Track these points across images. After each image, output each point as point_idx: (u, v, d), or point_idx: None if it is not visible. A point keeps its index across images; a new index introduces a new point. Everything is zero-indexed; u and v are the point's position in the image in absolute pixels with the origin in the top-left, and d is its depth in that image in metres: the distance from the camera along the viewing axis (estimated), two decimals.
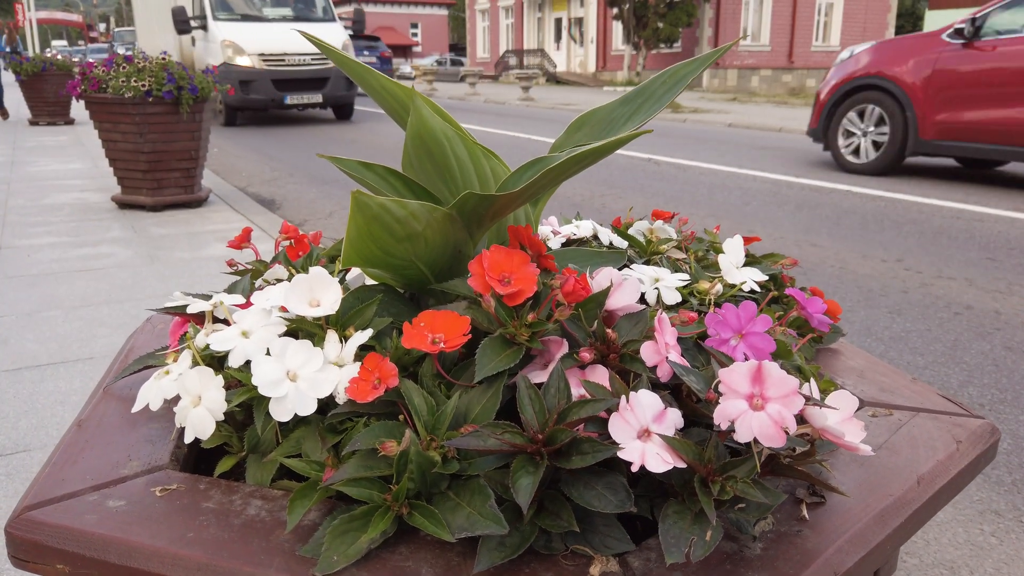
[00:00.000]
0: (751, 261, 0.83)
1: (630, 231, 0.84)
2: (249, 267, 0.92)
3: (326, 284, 0.60)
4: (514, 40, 32.56)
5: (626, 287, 0.60)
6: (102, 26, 78.89)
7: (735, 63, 23.48)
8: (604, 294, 0.59)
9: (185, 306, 0.69)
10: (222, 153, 8.46)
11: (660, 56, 24.49)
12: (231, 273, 0.92)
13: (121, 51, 18.60)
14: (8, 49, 8.09)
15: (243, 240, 0.94)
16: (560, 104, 16.46)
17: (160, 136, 4.71)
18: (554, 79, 27.67)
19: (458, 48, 46.53)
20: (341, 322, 0.60)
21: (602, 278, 0.62)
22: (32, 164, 6.81)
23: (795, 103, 16.95)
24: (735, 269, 0.77)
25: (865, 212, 5.20)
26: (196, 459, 0.63)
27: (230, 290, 0.79)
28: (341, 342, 0.58)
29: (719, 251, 0.92)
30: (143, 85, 4.50)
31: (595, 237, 0.91)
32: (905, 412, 0.69)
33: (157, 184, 4.86)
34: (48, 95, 10.02)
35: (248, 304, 0.69)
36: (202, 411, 0.55)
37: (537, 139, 9.85)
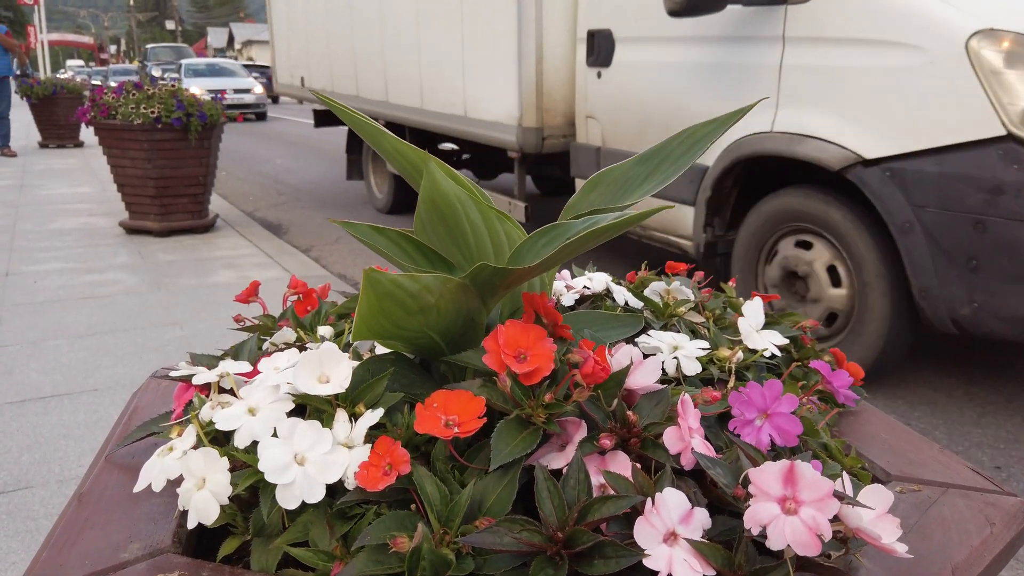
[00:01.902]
0: (770, 322, 0.81)
1: (646, 291, 0.82)
2: (256, 322, 0.90)
3: (336, 360, 0.58)
4: None
5: (647, 366, 0.58)
6: (112, 48, 79.81)
7: None
8: (624, 373, 0.57)
9: (191, 375, 0.67)
10: (230, 177, 8.50)
11: None
12: (238, 329, 0.90)
13: (157, 72, 16.82)
14: (18, 72, 8.20)
15: (250, 294, 0.93)
16: None
17: (168, 162, 4.73)
18: None
19: None
20: (351, 398, 0.58)
21: (621, 356, 0.60)
22: (41, 188, 6.84)
23: None
24: (755, 333, 0.74)
25: None
26: (199, 535, 0.61)
27: (236, 352, 0.77)
28: (351, 421, 0.56)
29: (736, 307, 0.90)
30: (152, 112, 4.53)
31: (608, 294, 0.89)
32: (934, 488, 0.66)
33: (165, 210, 4.87)
34: (58, 118, 10.09)
35: (255, 372, 0.67)
36: (206, 495, 0.53)
37: None
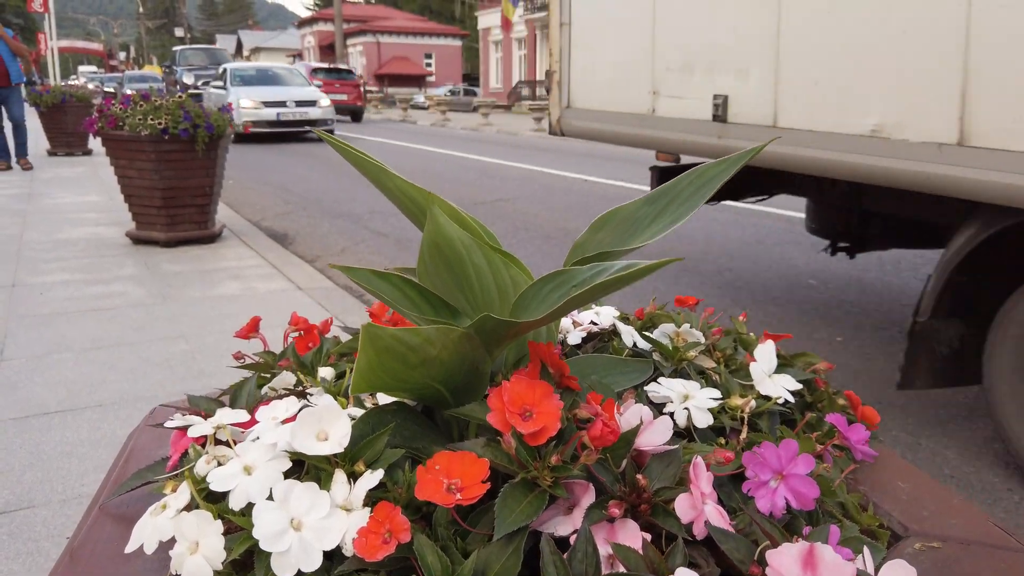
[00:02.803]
0: (783, 363, 0.79)
1: (656, 333, 0.80)
2: (256, 359, 0.88)
3: (335, 417, 0.56)
4: (527, 71, 32.84)
5: (657, 426, 0.56)
6: (122, 55, 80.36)
7: None
8: (633, 434, 0.55)
9: (187, 426, 0.65)
10: (237, 185, 8.52)
11: None
12: (238, 367, 0.88)
13: (189, 79, 15.11)
14: (25, 79, 8.25)
15: (251, 330, 0.91)
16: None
17: (175, 173, 4.74)
18: None
19: (471, 78, 47.00)
20: (350, 455, 0.56)
21: (631, 415, 0.58)
22: (49, 196, 6.87)
23: None
24: (767, 379, 0.72)
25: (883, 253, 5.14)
26: None
27: (235, 395, 0.75)
28: (350, 482, 0.54)
29: (746, 344, 0.88)
30: (160, 123, 4.54)
31: (615, 332, 0.87)
32: (956, 545, 0.64)
33: (171, 220, 4.87)
34: (67, 126, 10.14)
35: (253, 421, 0.66)
36: (199, 560, 0.52)
37: (550, 172, 9.86)
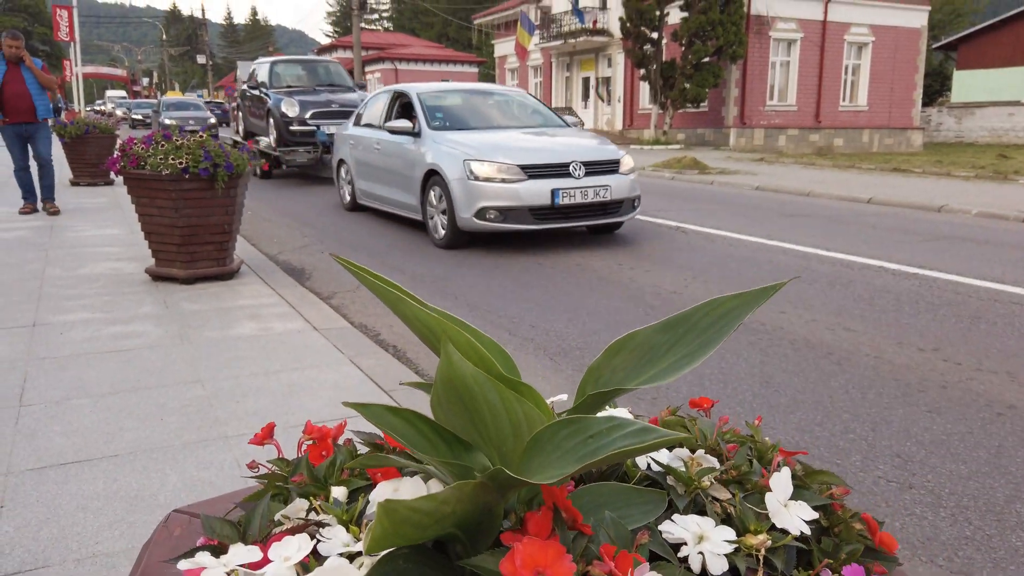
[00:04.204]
0: (799, 485, 0.78)
1: (668, 460, 0.79)
2: (271, 467, 0.89)
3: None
4: (542, 98, 33.11)
5: None
6: (145, 80, 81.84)
7: (762, 123, 23.59)
8: None
9: (201, 568, 0.65)
10: (255, 217, 8.61)
11: (687, 115, 24.71)
12: (251, 477, 0.89)
13: (290, 110, 11.89)
14: (53, 116, 8.17)
15: (264, 438, 0.92)
16: None
17: (195, 211, 4.80)
18: None
19: None
20: None
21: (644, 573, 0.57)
22: (71, 229, 6.97)
23: (822, 164, 16.90)
24: (783, 510, 0.72)
25: (899, 292, 5.10)
26: None
27: (247, 521, 0.76)
28: None
29: (761, 454, 0.87)
30: (180, 163, 4.60)
31: None
32: None
33: (190, 257, 4.93)
34: (90, 156, 10.32)
35: (264, 560, 0.66)
36: None
37: None
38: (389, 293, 0.73)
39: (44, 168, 7.84)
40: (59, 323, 4.02)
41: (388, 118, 7.99)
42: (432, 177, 6.81)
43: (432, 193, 6.83)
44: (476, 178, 6.27)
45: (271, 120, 11.78)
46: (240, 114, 14.34)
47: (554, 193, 6.24)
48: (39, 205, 8.05)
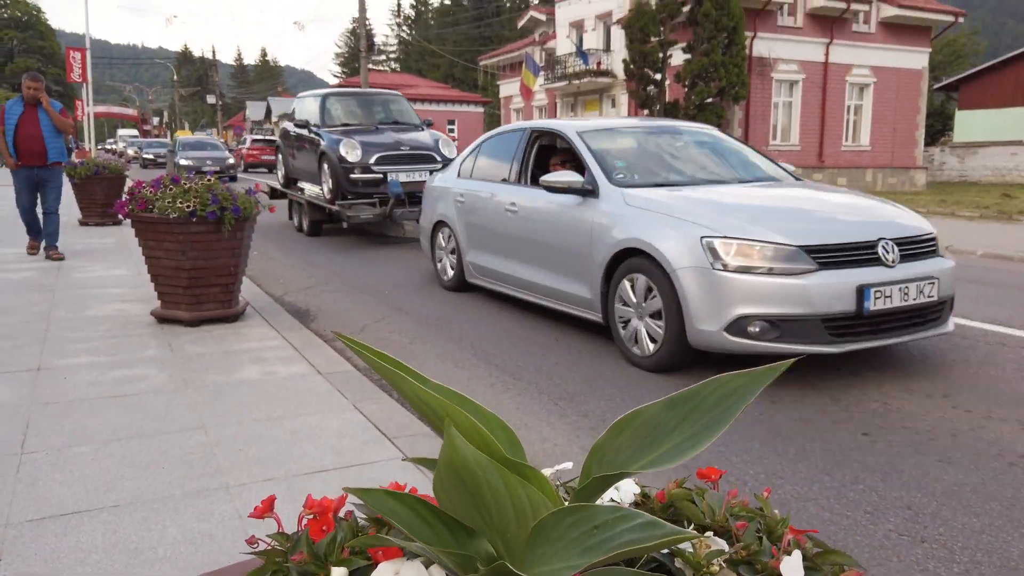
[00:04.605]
0: (810, 567, 0.76)
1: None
2: (271, 543, 0.87)
3: None
4: None
5: None
6: (155, 120, 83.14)
7: None
8: None
9: None
10: (261, 256, 8.65)
11: None
12: (251, 553, 0.87)
13: (353, 154, 9.03)
14: (66, 159, 8.11)
15: (265, 511, 0.90)
16: None
17: (201, 253, 4.82)
18: None
19: None
20: None
21: None
22: (78, 269, 7.01)
23: None
24: None
25: None
26: None
27: None
28: None
29: (771, 529, 0.86)
30: (188, 206, 4.64)
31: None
32: None
33: (196, 300, 4.94)
34: (99, 197, 10.43)
35: None
36: None
37: None
38: (390, 372, 0.72)
39: (49, 217, 7.65)
40: (63, 367, 4.01)
41: (525, 168, 5.75)
42: (627, 260, 4.46)
43: (628, 288, 4.45)
44: (726, 267, 3.93)
45: (325, 166, 9.59)
46: (280, 157, 12.21)
47: (863, 293, 3.85)
48: (42, 249, 7.80)
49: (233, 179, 23.77)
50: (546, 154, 6.05)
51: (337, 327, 5.48)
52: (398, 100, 11.45)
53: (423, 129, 10.64)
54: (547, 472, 0.95)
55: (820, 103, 24.81)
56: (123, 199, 4.88)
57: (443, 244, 6.82)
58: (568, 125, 5.55)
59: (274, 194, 12.41)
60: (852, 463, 3.07)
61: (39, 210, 7.67)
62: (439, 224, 6.84)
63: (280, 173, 12.20)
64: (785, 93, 24.69)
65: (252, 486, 2.65)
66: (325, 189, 9.74)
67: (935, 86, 32.33)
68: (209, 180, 4.90)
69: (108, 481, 2.68)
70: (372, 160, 9.28)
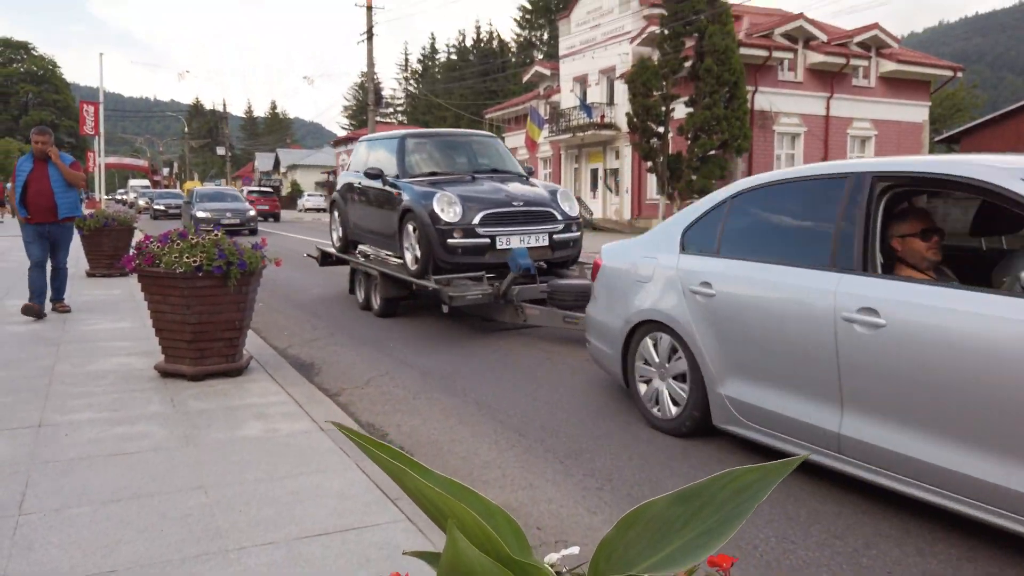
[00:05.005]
0: None
1: None
2: None
3: None
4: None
5: None
6: (165, 171, 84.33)
7: None
8: None
9: None
10: (266, 308, 8.66)
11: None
12: None
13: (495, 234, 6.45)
14: (79, 213, 7.94)
15: None
16: (594, 251, 16.75)
17: (206, 308, 4.83)
18: (591, 225, 28.37)
19: None
20: None
21: None
22: (84, 322, 7.01)
23: None
24: None
25: None
26: None
27: None
28: None
29: None
30: (194, 260, 4.67)
31: None
32: None
33: (200, 354, 4.92)
34: (107, 248, 10.50)
35: None
36: None
37: None
38: (392, 465, 0.71)
39: (57, 272, 7.45)
40: (65, 423, 3.98)
41: (870, 242, 3.29)
42: None
43: None
44: None
45: (409, 227, 7.39)
46: (336, 215, 9.78)
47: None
48: (48, 306, 7.39)
49: (253, 232, 22.78)
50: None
51: (341, 382, 5.45)
52: (494, 143, 9.05)
53: (528, 179, 8.35)
54: (553, 557, 0.92)
55: (822, 155, 25.09)
56: (131, 253, 4.92)
57: (655, 359, 4.28)
58: (992, 166, 2.98)
59: (325, 259, 10.32)
60: (864, 527, 3.00)
61: (48, 265, 7.31)
62: (646, 327, 4.34)
63: (335, 235, 9.84)
64: (787, 145, 25.00)
65: (252, 550, 2.60)
66: (408, 257, 7.47)
67: (936, 138, 32.71)
68: (216, 235, 4.93)
69: (106, 545, 2.63)
70: (476, 220, 6.98)
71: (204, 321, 4.85)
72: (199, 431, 3.90)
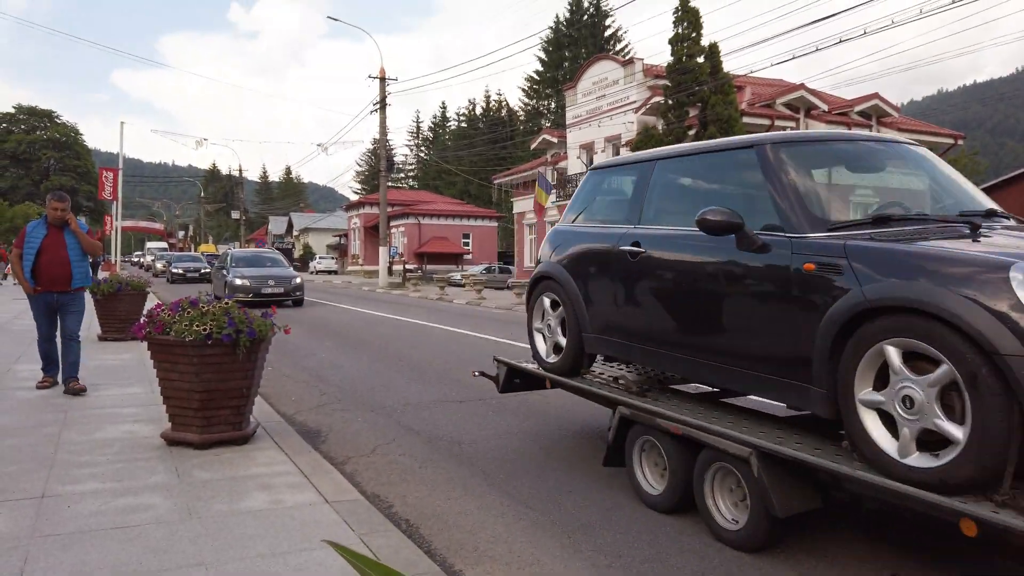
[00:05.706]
0: None
1: None
2: None
3: None
4: None
5: None
6: (181, 233, 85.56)
7: None
8: None
9: None
10: (274, 372, 8.65)
11: None
12: None
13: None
14: (92, 282, 7.83)
15: None
16: None
17: (214, 375, 4.83)
18: None
19: (507, 256, 48.79)
20: None
21: None
22: (93, 388, 7.00)
23: None
24: None
25: None
26: None
27: None
28: None
29: None
30: (204, 329, 4.69)
31: None
32: None
33: (207, 422, 4.90)
34: (120, 313, 10.58)
35: None
36: None
37: None
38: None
39: (70, 343, 6.82)
40: (68, 494, 3.94)
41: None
42: None
43: None
44: None
45: (890, 351, 2.87)
46: (546, 305, 5.32)
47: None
48: (59, 380, 6.96)
49: (298, 303, 19.15)
50: None
51: (347, 450, 5.40)
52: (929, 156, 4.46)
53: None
54: None
55: None
56: (142, 321, 4.95)
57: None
58: None
59: (512, 383, 5.66)
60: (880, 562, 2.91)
61: (58, 337, 6.95)
62: None
63: (549, 341, 5.32)
64: None
65: None
66: (878, 435, 2.96)
67: None
68: (227, 304, 4.96)
69: None
70: None
71: (212, 388, 4.85)
72: (202, 503, 3.85)
